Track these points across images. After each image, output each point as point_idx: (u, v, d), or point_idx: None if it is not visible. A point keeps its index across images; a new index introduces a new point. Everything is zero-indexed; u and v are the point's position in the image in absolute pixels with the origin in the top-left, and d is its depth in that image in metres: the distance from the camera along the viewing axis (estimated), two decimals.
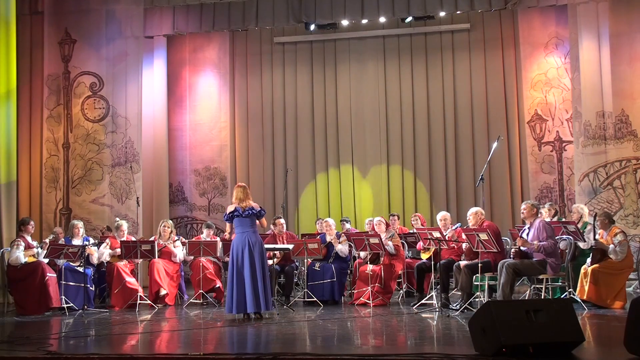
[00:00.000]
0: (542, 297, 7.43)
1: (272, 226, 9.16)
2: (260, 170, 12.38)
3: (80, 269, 8.32)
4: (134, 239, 9.00)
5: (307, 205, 12.21)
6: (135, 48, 10.90)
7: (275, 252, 8.42)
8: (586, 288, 7.50)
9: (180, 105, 12.38)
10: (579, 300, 7.46)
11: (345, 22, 11.16)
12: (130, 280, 8.51)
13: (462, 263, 7.67)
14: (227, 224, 7.44)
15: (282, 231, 9.16)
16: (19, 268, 8.12)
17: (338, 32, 12.03)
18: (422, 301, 7.93)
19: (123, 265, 8.56)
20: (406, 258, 8.79)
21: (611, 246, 7.53)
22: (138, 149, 10.77)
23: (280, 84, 12.47)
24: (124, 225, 9.00)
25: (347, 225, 9.98)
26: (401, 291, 8.73)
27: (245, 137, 12.49)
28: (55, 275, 8.18)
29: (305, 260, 8.67)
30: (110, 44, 10.88)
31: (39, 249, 8.29)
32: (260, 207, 7.29)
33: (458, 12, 10.89)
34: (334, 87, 12.30)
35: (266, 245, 7.62)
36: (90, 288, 8.45)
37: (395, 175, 11.95)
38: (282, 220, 9.24)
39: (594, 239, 7.59)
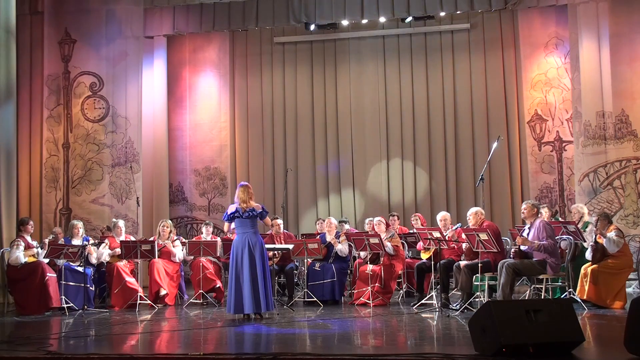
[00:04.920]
0: (542, 297, 7.43)
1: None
2: (260, 170, 12.38)
3: (80, 269, 8.32)
4: (133, 238, 9.01)
5: (307, 205, 12.21)
6: (135, 48, 10.90)
7: (275, 252, 8.43)
8: (586, 288, 7.50)
9: (180, 105, 12.38)
10: (579, 300, 7.46)
11: (345, 22, 11.17)
12: (130, 280, 8.51)
13: (462, 263, 7.67)
14: (226, 224, 7.44)
15: (279, 231, 9.17)
16: (19, 268, 8.12)
17: (338, 32, 12.04)
18: (422, 301, 7.93)
19: (123, 265, 8.56)
20: (406, 258, 8.79)
21: (609, 234, 7.52)
22: (138, 149, 10.77)
23: (280, 84, 12.48)
24: (121, 222, 9.00)
25: (346, 226, 9.96)
26: (401, 291, 8.73)
27: (245, 137, 12.49)
28: (55, 275, 8.18)
29: (305, 260, 8.67)
30: (110, 44, 10.88)
31: (39, 249, 8.29)
32: (262, 208, 7.27)
33: (458, 12, 10.89)
34: (334, 87, 12.30)
35: (266, 245, 7.62)
36: (90, 288, 8.45)
37: (395, 175, 11.96)
38: (280, 221, 9.24)
39: (595, 241, 7.59)
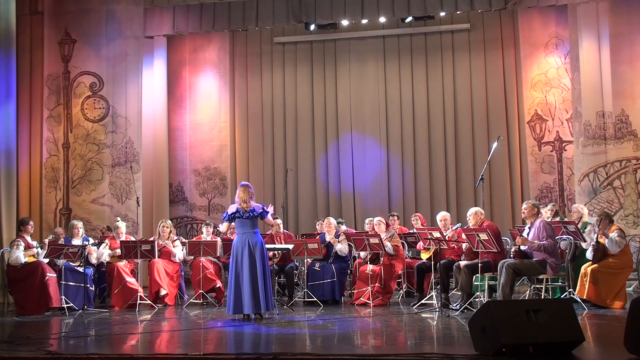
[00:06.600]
0: (542, 297, 7.43)
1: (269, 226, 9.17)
2: (260, 170, 12.38)
3: (80, 269, 8.33)
4: (133, 239, 9.01)
5: (307, 205, 12.21)
6: (135, 48, 10.89)
7: (275, 252, 8.43)
8: (586, 288, 7.50)
9: (180, 105, 12.38)
10: (579, 300, 7.46)
11: (345, 22, 11.16)
12: (130, 280, 8.51)
13: (462, 263, 7.67)
14: (225, 224, 7.41)
15: (279, 231, 9.17)
16: (19, 268, 8.12)
17: (338, 32, 12.04)
18: (422, 301, 7.93)
19: (123, 265, 8.56)
20: (406, 258, 8.79)
21: (611, 234, 7.53)
22: (138, 149, 10.76)
23: (280, 84, 12.48)
24: (122, 227, 8.96)
25: (343, 227, 9.94)
26: (401, 291, 8.74)
27: (245, 137, 12.49)
28: (55, 275, 8.18)
29: (305, 260, 8.67)
30: (110, 44, 10.87)
31: (39, 249, 8.29)
32: (263, 208, 7.26)
33: (458, 12, 10.88)
34: (334, 87, 12.31)
35: (266, 245, 7.61)
36: (90, 288, 8.46)
37: (395, 175, 11.96)
38: (279, 221, 9.24)
39: (596, 240, 7.60)
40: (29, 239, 8.38)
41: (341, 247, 8.61)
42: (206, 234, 9.39)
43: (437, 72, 11.99)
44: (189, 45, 12.38)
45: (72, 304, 8.17)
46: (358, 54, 12.22)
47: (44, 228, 10.43)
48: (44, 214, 10.68)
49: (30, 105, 10.86)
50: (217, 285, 8.75)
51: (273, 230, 9.13)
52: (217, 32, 11.66)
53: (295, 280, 9.14)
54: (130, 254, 8.37)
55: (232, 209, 7.22)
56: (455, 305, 7.60)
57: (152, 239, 8.96)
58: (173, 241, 8.90)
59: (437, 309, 7.41)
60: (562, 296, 7.73)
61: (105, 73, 10.88)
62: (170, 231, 8.95)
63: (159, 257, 8.61)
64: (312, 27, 11.39)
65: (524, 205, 7.52)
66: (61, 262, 8.19)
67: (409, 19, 11.17)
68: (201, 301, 8.64)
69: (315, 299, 8.32)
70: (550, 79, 11.22)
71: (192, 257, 8.92)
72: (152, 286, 8.58)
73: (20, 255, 8.12)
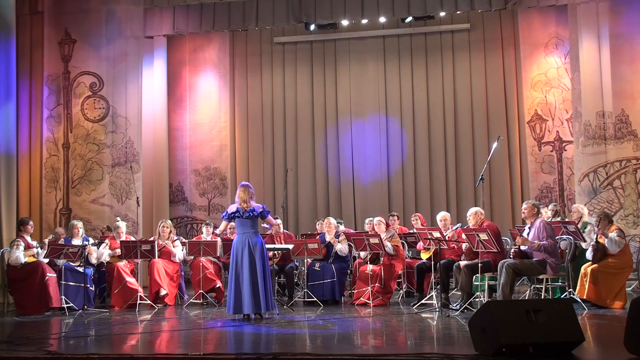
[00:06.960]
0: (542, 297, 7.43)
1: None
2: (260, 170, 12.38)
3: (80, 269, 8.33)
4: (133, 239, 9.01)
5: (307, 205, 12.21)
6: (135, 48, 10.89)
7: (275, 252, 8.44)
8: (586, 288, 7.50)
9: (180, 105, 12.38)
10: (579, 300, 7.46)
11: (345, 22, 11.16)
12: (131, 280, 8.51)
13: (462, 263, 7.67)
14: (224, 223, 7.40)
15: (279, 231, 9.17)
16: (19, 268, 8.12)
17: (338, 32, 12.05)
18: (422, 301, 7.93)
19: (123, 265, 8.56)
20: (406, 258, 8.79)
21: (611, 234, 7.53)
22: (138, 149, 10.76)
23: (280, 84, 12.49)
24: (122, 226, 8.97)
25: (342, 227, 9.93)
26: (401, 291, 8.74)
27: (245, 137, 12.50)
28: (55, 275, 8.18)
29: (305, 260, 8.67)
30: (110, 44, 10.87)
31: (39, 249, 8.29)
32: (263, 208, 7.26)
33: (458, 12, 10.88)
34: (334, 87, 12.31)
35: (266, 245, 7.61)
36: (90, 288, 8.46)
37: (396, 175, 11.96)
38: (279, 221, 9.23)
39: (596, 240, 7.60)
40: (29, 239, 8.39)
41: (341, 247, 8.61)
42: (206, 234, 9.40)
43: (437, 72, 11.99)
44: (189, 45, 12.38)
45: (72, 304, 8.17)
46: (358, 54, 12.22)
47: (44, 228, 10.43)
48: (44, 214, 10.68)
49: (30, 105, 10.85)
50: (217, 285, 8.75)
51: (273, 230, 9.12)
52: (217, 32, 11.66)
53: (295, 280, 9.14)
54: (130, 254, 8.37)
55: (232, 208, 7.23)
56: (455, 305, 7.60)
57: (152, 239, 8.96)
58: (173, 241, 8.90)
59: (437, 309, 7.41)
60: (562, 296, 7.73)
61: (105, 73, 10.88)
62: (170, 231, 8.95)
63: (159, 257, 8.61)
64: (312, 27, 11.39)
65: (524, 205, 7.52)
66: (61, 262, 8.19)
67: (409, 19, 11.18)
68: (201, 301, 8.64)
69: (315, 299, 8.32)
70: (550, 79, 11.23)
71: (192, 257, 8.92)
72: (152, 286, 8.58)
73: (20, 255, 8.12)
